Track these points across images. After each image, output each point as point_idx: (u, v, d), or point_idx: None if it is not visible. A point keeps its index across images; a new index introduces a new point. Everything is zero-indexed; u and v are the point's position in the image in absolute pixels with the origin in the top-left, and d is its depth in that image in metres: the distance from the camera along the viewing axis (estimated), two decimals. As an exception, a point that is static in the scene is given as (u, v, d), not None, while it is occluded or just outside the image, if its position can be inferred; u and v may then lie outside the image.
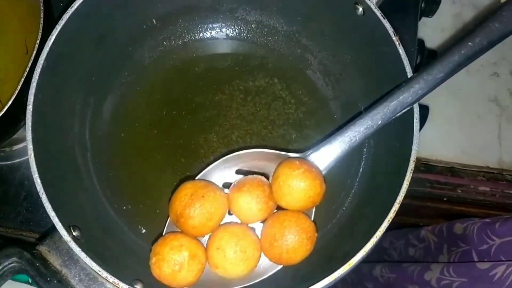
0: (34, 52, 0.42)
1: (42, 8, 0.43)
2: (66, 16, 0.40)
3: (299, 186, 0.37)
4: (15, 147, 0.55)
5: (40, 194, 0.37)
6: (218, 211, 0.38)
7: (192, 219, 0.37)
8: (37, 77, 0.39)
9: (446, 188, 0.71)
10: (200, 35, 0.52)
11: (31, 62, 0.41)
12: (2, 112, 0.41)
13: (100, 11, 0.43)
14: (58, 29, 0.40)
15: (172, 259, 0.36)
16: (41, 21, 0.43)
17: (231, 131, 0.50)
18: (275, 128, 0.50)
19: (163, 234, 0.40)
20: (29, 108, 0.38)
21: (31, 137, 0.38)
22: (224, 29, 0.52)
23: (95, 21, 0.43)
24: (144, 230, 0.45)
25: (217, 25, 0.52)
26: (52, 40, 0.40)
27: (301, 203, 0.38)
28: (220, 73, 0.52)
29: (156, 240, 0.38)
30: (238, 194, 0.38)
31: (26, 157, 0.55)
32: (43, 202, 0.36)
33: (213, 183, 0.40)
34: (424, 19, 0.65)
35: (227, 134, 0.50)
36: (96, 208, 0.44)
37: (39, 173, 0.37)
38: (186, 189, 0.38)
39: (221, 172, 0.42)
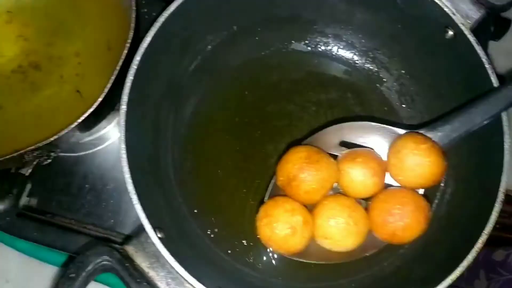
0: (125, 51, 0.42)
1: (134, 7, 0.43)
2: (161, 19, 0.41)
3: (424, 161, 0.35)
4: (82, 140, 0.55)
5: (131, 194, 0.37)
6: (331, 179, 0.37)
7: (305, 183, 0.36)
8: (131, 78, 0.39)
9: (500, 215, 0.70)
10: (277, 44, 0.52)
11: (122, 60, 0.42)
12: (92, 110, 0.41)
13: (189, 15, 0.43)
14: (154, 31, 0.40)
15: (287, 221, 0.35)
16: (133, 21, 0.43)
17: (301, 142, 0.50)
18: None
19: (265, 198, 0.39)
20: (123, 108, 0.39)
21: (124, 137, 0.38)
22: (300, 40, 0.52)
23: (183, 24, 0.43)
24: (214, 235, 0.45)
25: (294, 36, 0.52)
26: (147, 42, 0.40)
27: (422, 181, 0.36)
28: (294, 83, 0.52)
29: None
30: (352, 165, 0.37)
31: (91, 150, 0.56)
32: (134, 202, 0.37)
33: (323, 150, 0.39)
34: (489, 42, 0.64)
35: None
36: (173, 211, 0.44)
37: (130, 173, 0.37)
38: (300, 152, 0.38)
39: (322, 143, 0.41)
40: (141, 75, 0.40)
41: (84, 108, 0.47)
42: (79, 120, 0.41)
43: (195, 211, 0.46)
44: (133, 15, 0.43)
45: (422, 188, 0.38)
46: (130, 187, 0.37)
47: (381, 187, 0.38)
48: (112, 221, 0.53)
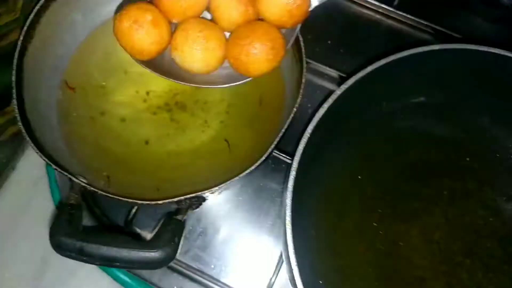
0: (292, 115, 0.42)
1: (305, 73, 0.44)
2: (338, 92, 0.41)
3: None
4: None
5: (293, 266, 0.36)
6: None
7: None
8: (303, 146, 0.39)
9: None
10: (421, 124, 0.52)
11: (288, 122, 0.42)
12: (256, 166, 0.41)
13: (360, 92, 0.44)
14: (330, 103, 0.41)
15: (135, 15, 0.36)
16: (302, 87, 0.43)
17: (433, 229, 0.49)
18: (480, 238, 0.48)
19: None
20: (293, 173, 0.38)
21: (291, 204, 0.37)
22: (439, 124, 0.52)
23: (352, 98, 0.43)
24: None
25: (437, 119, 0.51)
26: (321, 113, 0.40)
27: (278, 10, 0.36)
28: (431, 166, 0.51)
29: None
30: None
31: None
32: (295, 277, 0.36)
33: None
34: None
35: (429, 232, 0.48)
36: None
37: (294, 246, 0.36)
38: None
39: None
40: (308, 144, 0.40)
41: (230, 158, 0.47)
42: (245, 173, 0.40)
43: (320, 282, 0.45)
44: (303, 80, 0.44)
45: (283, 25, 0.37)
46: (293, 260, 0.36)
47: (248, 18, 0.38)
48: (217, 270, 0.53)
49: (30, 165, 0.60)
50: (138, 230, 0.53)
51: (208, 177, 0.46)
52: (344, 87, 0.41)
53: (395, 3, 0.62)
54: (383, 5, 0.62)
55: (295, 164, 0.38)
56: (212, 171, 0.46)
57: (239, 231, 0.54)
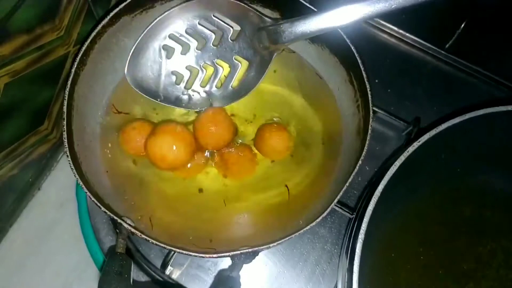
0: (356, 168, 0.40)
1: (372, 122, 0.42)
2: (416, 144, 0.39)
3: (274, 142, 0.47)
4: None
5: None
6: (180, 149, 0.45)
7: (154, 147, 0.44)
8: (373, 205, 0.37)
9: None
10: (475, 181, 0.49)
11: (354, 172, 0.39)
12: (316, 221, 0.38)
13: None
14: (402, 160, 0.38)
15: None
16: (366, 144, 0.41)
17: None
18: (535, 305, 0.46)
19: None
20: (363, 230, 0.36)
21: (358, 271, 0.35)
22: (501, 183, 0.50)
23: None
24: None
25: (496, 178, 0.49)
26: (396, 168, 0.38)
27: (273, 153, 0.48)
28: (485, 224, 0.49)
29: None
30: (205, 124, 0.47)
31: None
32: None
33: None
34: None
35: (482, 294, 0.46)
36: None
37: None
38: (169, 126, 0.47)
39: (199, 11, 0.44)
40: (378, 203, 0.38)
41: (286, 203, 0.45)
42: (306, 229, 0.38)
43: None
44: (369, 131, 0.41)
45: (272, 158, 0.49)
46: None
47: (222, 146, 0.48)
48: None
49: (57, 186, 0.57)
50: (171, 268, 0.51)
51: (261, 225, 0.44)
52: (416, 144, 0.39)
53: (447, 46, 0.60)
54: (433, 47, 0.60)
55: (364, 226, 0.36)
56: (266, 220, 0.44)
57: (275, 275, 0.51)
